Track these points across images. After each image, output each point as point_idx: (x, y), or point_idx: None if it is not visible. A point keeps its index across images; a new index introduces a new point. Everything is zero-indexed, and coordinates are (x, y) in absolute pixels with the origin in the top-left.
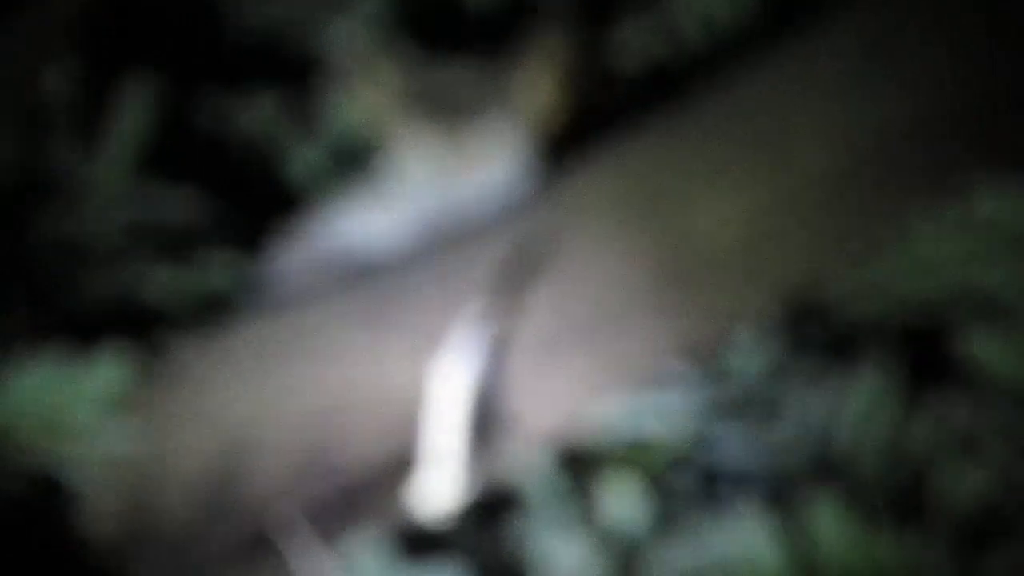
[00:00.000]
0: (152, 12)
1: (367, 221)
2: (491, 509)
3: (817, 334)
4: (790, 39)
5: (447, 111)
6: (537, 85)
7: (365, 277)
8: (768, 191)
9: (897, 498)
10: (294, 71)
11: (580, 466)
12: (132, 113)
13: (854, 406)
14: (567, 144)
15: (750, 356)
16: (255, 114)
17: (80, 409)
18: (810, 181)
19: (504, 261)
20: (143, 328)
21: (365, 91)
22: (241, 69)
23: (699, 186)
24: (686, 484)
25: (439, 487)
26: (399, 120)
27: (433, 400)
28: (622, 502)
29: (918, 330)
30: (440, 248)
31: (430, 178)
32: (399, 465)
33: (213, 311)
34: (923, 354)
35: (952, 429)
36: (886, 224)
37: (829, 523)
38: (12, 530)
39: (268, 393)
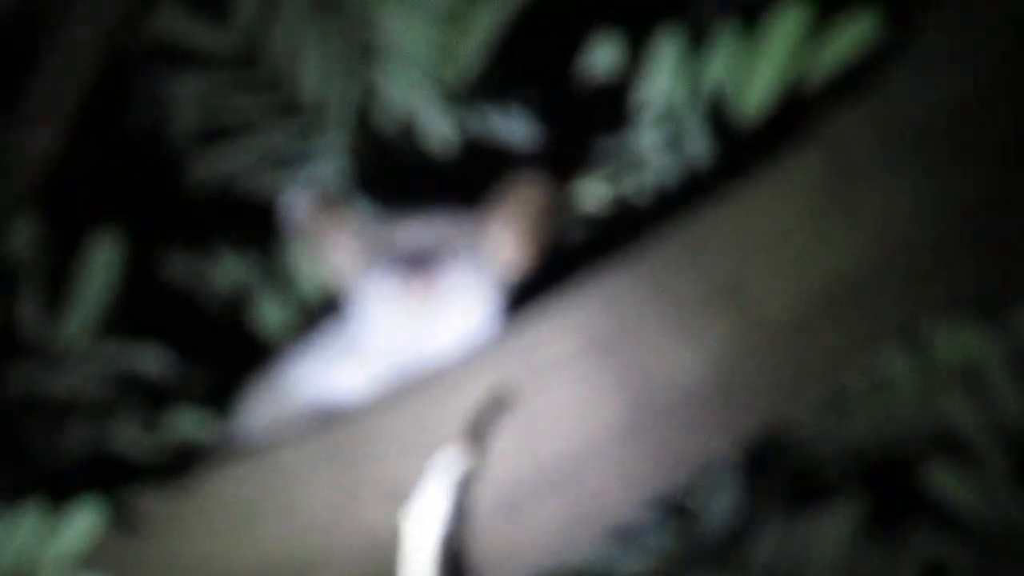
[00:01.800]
0: (112, 169)
1: (334, 370)
2: None
3: (781, 473)
4: (749, 182)
5: (412, 262)
6: (507, 234)
7: (336, 423)
8: (729, 334)
9: None
10: (256, 223)
11: None
12: (97, 271)
13: (823, 544)
14: (533, 287)
15: (716, 498)
16: (222, 269)
17: (51, 562)
18: (769, 325)
19: (474, 407)
20: (116, 481)
21: (325, 248)
22: (203, 223)
23: (663, 330)
24: None
25: None
26: (361, 274)
27: (408, 548)
28: None
29: (882, 463)
30: (410, 393)
31: (396, 327)
32: None
33: (184, 462)
34: (889, 487)
35: (920, 562)
36: (845, 364)
37: None
38: None
39: (242, 543)
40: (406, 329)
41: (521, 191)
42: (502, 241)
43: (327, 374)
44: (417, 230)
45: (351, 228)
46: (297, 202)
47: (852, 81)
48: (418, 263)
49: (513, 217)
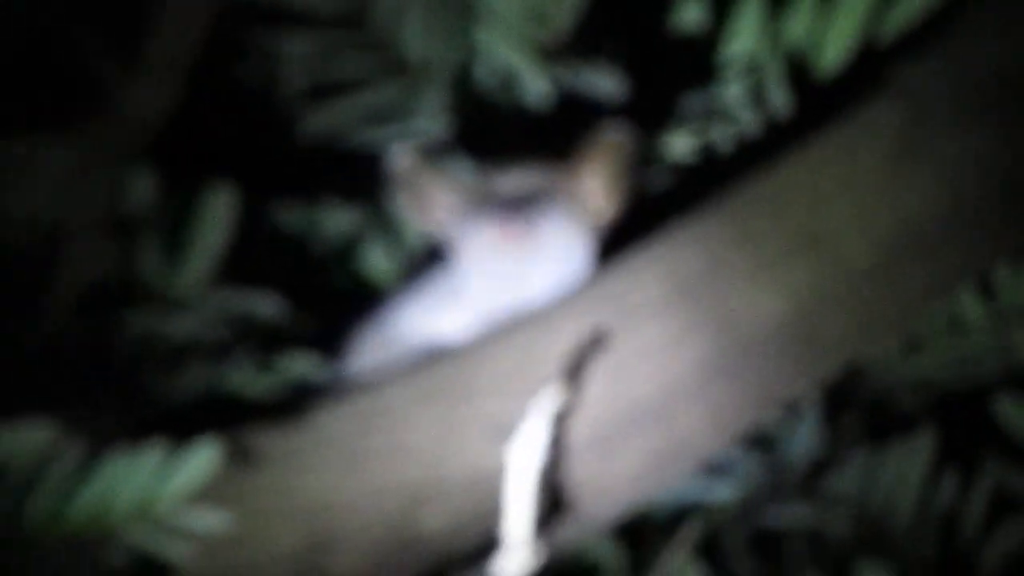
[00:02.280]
0: (226, 124)
1: (438, 314)
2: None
3: (858, 408)
4: (826, 132)
5: (509, 209)
6: (596, 183)
7: (440, 363)
8: (809, 279)
9: (939, 560)
10: (363, 176)
11: (639, 535)
12: (212, 221)
13: (901, 475)
14: (623, 234)
15: (797, 432)
16: (330, 219)
17: (169, 498)
18: (848, 270)
19: (569, 348)
20: (231, 420)
21: (425, 199)
22: (313, 175)
23: (746, 275)
24: (737, 546)
25: (514, 560)
26: (460, 223)
27: (510, 481)
28: (683, 558)
29: (954, 398)
30: (510, 334)
31: (494, 272)
32: (478, 538)
33: (297, 401)
34: (960, 420)
35: (991, 491)
36: (919, 307)
37: None
38: None
39: (352, 476)
40: (504, 274)
41: (609, 142)
42: (592, 189)
43: (431, 318)
44: (512, 179)
45: (450, 180)
46: (400, 155)
47: (925, 37)
48: (514, 209)
49: (602, 166)
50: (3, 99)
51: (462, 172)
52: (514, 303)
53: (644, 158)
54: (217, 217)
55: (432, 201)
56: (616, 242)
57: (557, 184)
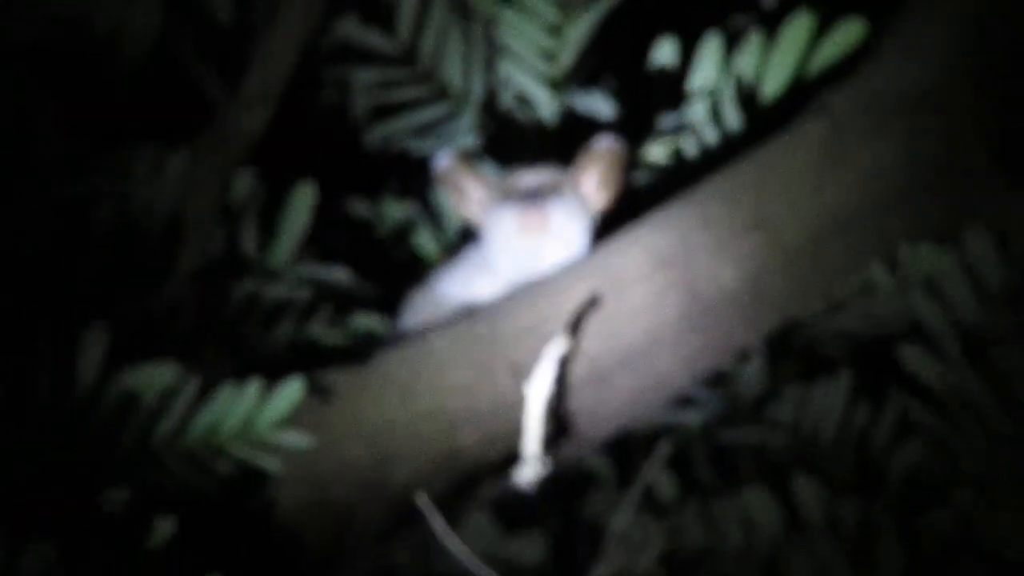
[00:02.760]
0: (309, 137)
1: (473, 282)
2: (562, 486)
3: (793, 353)
4: (770, 143)
5: (527, 199)
6: (594, 180)
7: (474, 318)
8: (757, 255)
9: (855, 470)
10: (415, 177)
11: (626, 448)
12: (298, 211)
13: (826, 404)
14: (614, 220)
15: (747, 373)
16: (389, 210)
17: (263, 424)
18: (787, 248)
19: (572, 307)
20: (313, 363)
21: (462, 192)
22: (376, 176)
23: (709, 252)
24: (700, 460)
25: (529, 470)
26: (489, 211)
27: (528, 409)
28: (658, 469)
29: (868, 346)
30: (528, 296)
31: (516, 249)
32: (502, 453)
33: (363, 349)
34: (873, 364)
35: (897, 420)
36: (843, 276)
37: (807, 492)
38: (221, 503)
39: (406, 404)
40: (523, 250)
41: (603, 149)
42: (591, 186)
43: (467, 285)
44: (529, 177)
45: (481, 178)
46: (443, 159)
47: (844, 68)
48: (531, 200)
49: (599, 168)
50: (140, 115)
51: (491, 172)
52: (531, 273)
53: (630, 162)
54: (302, 207)
55: (468, 194)
56: (608, 226)
57: (564, 181)
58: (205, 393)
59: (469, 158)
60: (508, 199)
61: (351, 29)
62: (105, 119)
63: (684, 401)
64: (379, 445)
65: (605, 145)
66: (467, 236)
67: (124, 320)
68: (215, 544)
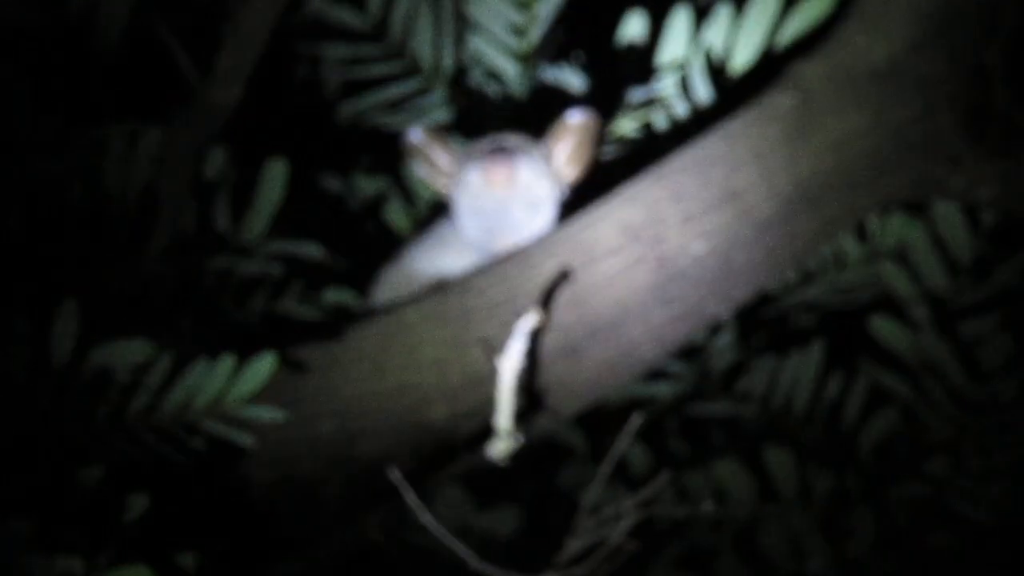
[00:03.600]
0: (281, 112)
1: (443, 255)
2: (534, 459)
3: (763, 325)
4: (740, 114)
5: (493, 154)
6: (565, 154)
7: (445, 291)
8: (728, 227)
9: (825, 438)
10: (386, 151)
11: (598, 421)
12: (270, 186)
13: (797, 375)
14: (584, 193)
15: (719, 345)
16: (360, 184)
17: (235, 398)
18: (758, 220)
19: (542, 280)
20: (285, 337)
21: (433, 165)
22: (347, 151)
23: (680, 224)
24: (674, 428)
25: (502, 444)
26: (457, 178)
27: (499, 385)
28: (630, 442)
29: (838, 317)
30: (498, 269)
31: (483, 212)
32: (474, 427)
33: (335, 323)
34: (843, 334)
35: (868, 388)
36: (812, 247)
37: (779, 463)
38: (195, 475)
39: (379, 378)
40: (490, 208)
41: (576, 123)
42: (562, 158)
43: (439, 259)
44: (498, 139)
45: (451, 150)
46: (414, 133)
47: (813, 40)
48: (497, 153)
49: (570, 141)
50: (115, 94)
51: (460, 145)
52: (501, 245)
53: (601, 136)
54: (275, 184)
55: (438, 166)
56: (579, 200)
57: (534, 148)
58: (178, 368)
59: (440, 132)
60: (474, 156)
61: (322, 6)
62: (80, 97)
63: (656, 374)
64: (351, 420)
65: (576, 119)
66: (438, 211)
67: (98, 296)
68: (188, 519)
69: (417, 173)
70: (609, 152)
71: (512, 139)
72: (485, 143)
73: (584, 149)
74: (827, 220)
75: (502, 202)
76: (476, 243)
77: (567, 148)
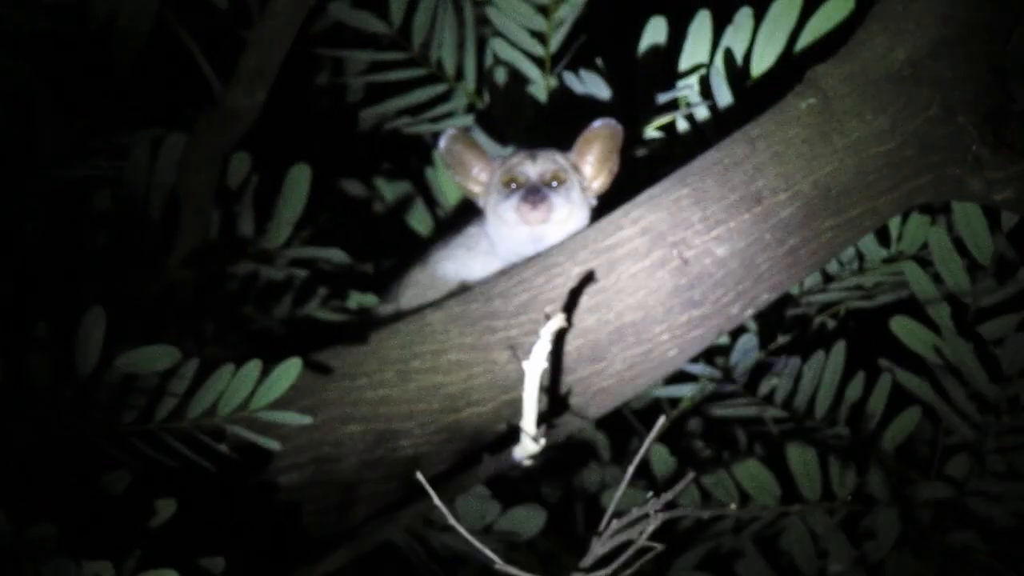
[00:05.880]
0: (304, 118)
1: (471, 260)
2: (559, 461)
3: (784, 326)
4: (762, 118)
5: (530, 195)
6: (592, 163)
7: (472, 296)
8: (747, 229)
9: (847, 437)
10: (409, 156)
11: (622, 423)
12: (294, 191)
13: (820, 376)
14: (612, 198)
15: (744, 345)
16: (382, 189)
17: (260, 402)
18: (779, 222)
19: (567, 285)
20: (310, 342)
21: (463, 170)
22: (370, 156)
23: (702, 228)
24: (698, 428)
25: (528, 445)
26: (491, 196)
27: (525, 387)
28: (654, 443)
29: (861, 315)
30: (525, 274)
31: (516, 239)
32: (501, 429)
33: (360, 327)
34: (863, 335)
35: (886, 389)
36: (832, 249)
37: (801, 463)
38: (222, 479)
39: (405, 381)
40: (525, 238)
41: (602, 131)
42: (590, 168)
43: (465, 263)
44: (531, 167)
45: (483, 156)
46: (446, 137)
47: (834, 44)
48: (534, 196)
49: (597, 150)
50: (138, 101)
51: (490, 152)
52: (531, 253)
53: (626, 143)
54: (298, 188)
55: (470, 172)
56: (607, 204)
57: (564, 167)
58: (204, 374)
59: (471, 137)
60: (511, 191)
61: (344, 12)
62: (102, 104)
63: (678, 375)
64: (377, 423)
65: (602, 127)
66: (463, 212)
67: (124, 302)
68: (216, 523)
69: (448, 177)
70: (632, 158)
71: (545, 161)
72: (519, 165)
73: (610, 157)
74: (848, 222)
75: (536, 234)
76: (505, 252)
77: (595, 156)
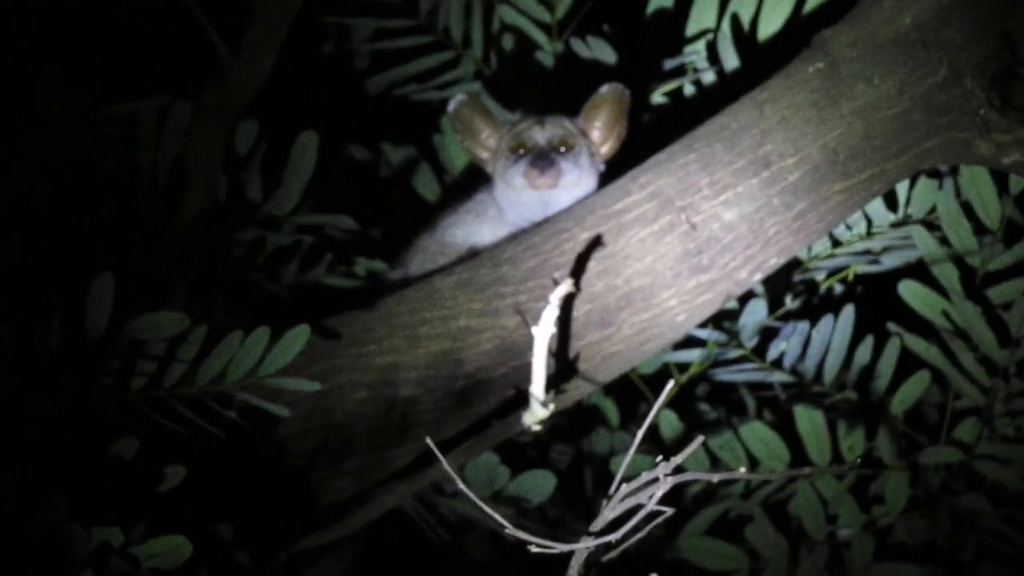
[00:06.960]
0: (312, 84)
1: (479, 226)
2: (568, 421)
3: (791, 291)
4: (770, 83)
5: (539, 161)
6: (600, 129)
7: (479, 261)
8: (754, 193)
9: (856, 401)
10: (415, 123)
11: (631, 388)
12: (302, 158)
13: (828, 340)
14: (618, 163)
15: (752, 310)
16: (389, 155)
17: (268, 370)
18: (787, 186)
19: (574, 253)
20: (317, 308)
21: (473, 135)
22: (377, 123)
23: (710, 193)
24: (706, 393)
25: (537, 411)
26: (500, 162)
27: (534, 352)
28: (663, 409)
29: (869, 279)
30: (533, 239)
31: (525, 204)
32: (508, 395)
33: (368, 292)
34: (871, 299)
35: (894, 353)
36: (841, 213)
37: (810, 428)
38: (230, 443)
39: (414, 346)
40: (534, 203)
41: (609, 96)
42: (598, 134)
43: (473, 229)
44: (539, 133)
45: (493, 122)
46: (458, 102)
47: (842, 8)
48: (542, 161)
49: (605, 115)
50: (147, 70)
51: (499, 118)
52: (539, 218)
53: (633, 108)
54: (305, 155)
55: (479, 137)
56: (615, 169)
57: (572, 132)
58: (212, 341)
59: (481, 103)
60: (519, 156)
61: None
62: (110, 72)
63: (687, 341)
64: (385, 389)
65: (609, 92)
66: (471, 177)
67: (132, 269)
68: (225, 489)
69: (457, 142)
70: (640, 122)
71: (553, 126)
72: (527, 130)
73: (618, 122)
74: (856, 185)
75: (545, 199)
76: (513, 217)
77: (603, 122)
